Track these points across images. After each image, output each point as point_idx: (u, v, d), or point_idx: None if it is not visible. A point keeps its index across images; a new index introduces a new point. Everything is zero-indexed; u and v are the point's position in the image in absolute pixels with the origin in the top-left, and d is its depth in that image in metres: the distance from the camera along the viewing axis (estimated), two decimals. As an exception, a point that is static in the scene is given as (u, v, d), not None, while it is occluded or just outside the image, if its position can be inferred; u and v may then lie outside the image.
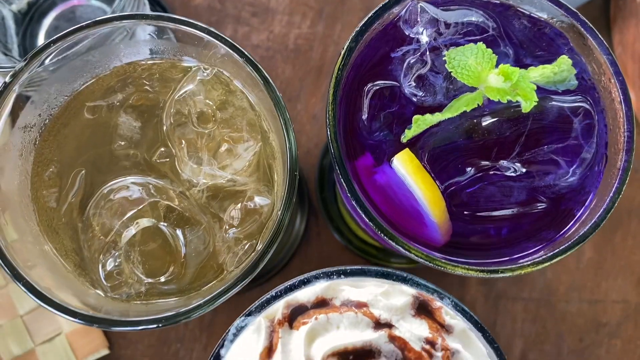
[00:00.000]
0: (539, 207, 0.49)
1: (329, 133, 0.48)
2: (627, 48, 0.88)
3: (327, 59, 0.90)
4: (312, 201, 0.87)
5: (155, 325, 0.43)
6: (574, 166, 0.49)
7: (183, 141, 0.51)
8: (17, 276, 0.43)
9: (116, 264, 0.50)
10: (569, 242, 0.46)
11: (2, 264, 0.43)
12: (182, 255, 0.50)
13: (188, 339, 0.83)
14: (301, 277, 0.45)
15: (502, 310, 0.86)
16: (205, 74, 0.51)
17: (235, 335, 0.44)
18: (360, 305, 0.45)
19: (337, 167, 0.48)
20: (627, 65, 0.87)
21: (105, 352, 0.81)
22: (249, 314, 0.44)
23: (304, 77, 0.90)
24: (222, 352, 0.44)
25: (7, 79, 0.46)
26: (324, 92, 0.90)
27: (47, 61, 0.48)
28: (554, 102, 0.50)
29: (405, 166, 0.47)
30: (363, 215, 0.47)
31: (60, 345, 0.81)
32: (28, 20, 0.75)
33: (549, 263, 0.45)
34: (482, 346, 0.46)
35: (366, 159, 0.53)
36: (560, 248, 0.46)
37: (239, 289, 0.46)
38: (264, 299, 0.45)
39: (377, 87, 0.50)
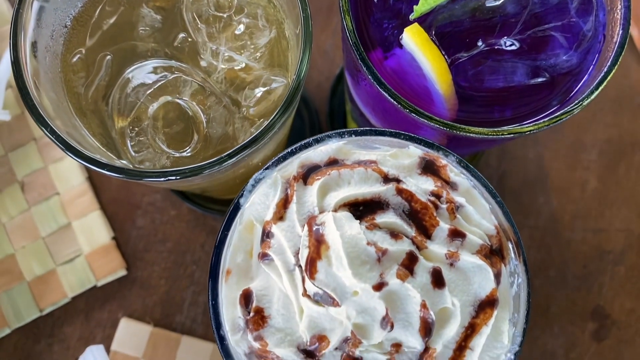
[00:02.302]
0: (540, 83, 0.52)
1: (343, 13, 0.50)
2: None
3: (338, -4, 0.93)
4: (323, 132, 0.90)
5: (174, 177, 0.46)
6: (574, 44, 0.52)
7: (201, 24, 0.54)
8: (43, 123, 0.46)
9: (141, 139, 0.53)
10: (568, 108, 0.49)
11: (32, 114, 0.46)
12: (204, 130, 0.53)
13: (204, 261, 0.86)
14: (314, 137, 0.48)
15: (508, 239, 0.88)
16: (223, -38, 0.55)
17: (254, 186, 0.47)
18: (370, 162, 0.48)
19: (354, 50, 0.50)
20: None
21: (122, 272, 0.84)
22: (267, 168, 0.47)
23: (315, 14, 0.93)
24: (242, 201, 0.47)
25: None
26: (334, 29, 0.93)
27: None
28: (554, -14, 0.52)
29: (414, 39, 0.50)
30: (382, 91, 0.49)
31: (80, 266, 0.84)
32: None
33: (548, 125, 0.48)
34: (485, 203, 0.48)
35: (377, 53, 0.56)
36: (559, 112, 0.49)
37: (249, 152, 0.48)
38: (279, 155, 0.47)
39: (387, -31, 0.52)
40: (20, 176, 0.87)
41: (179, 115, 0.54)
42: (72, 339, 0.83)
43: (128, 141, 0.53)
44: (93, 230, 0.85)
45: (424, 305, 0.42)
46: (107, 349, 0.82)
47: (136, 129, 0.54)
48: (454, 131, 0.48)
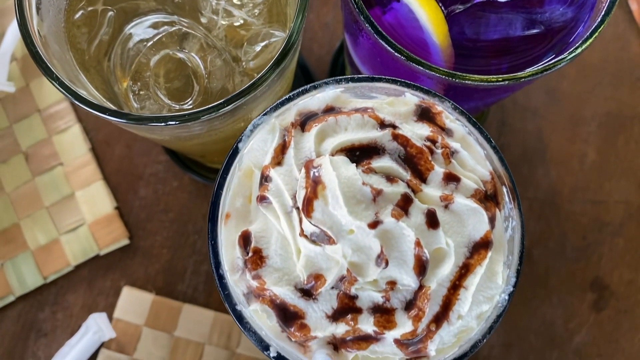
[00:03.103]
0: (536, 36, 0.53)
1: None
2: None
3: (339, -29, 0.94)
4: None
5: (174, 122, 0.47)
6: (569, -3, 0.53)
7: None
8: (47, 70, 0.47)
9: (143, 92, 0.54)
10: (562, 56, 0.49)
11: (36, 61, 0.47)
12: (205, 83, 0.54)
13: (204, 232, 0.87)
14: (312, 84, 0.49)
15: (507, 211, 0.89)
16: None
17: (252, 131, 0.48)
18: (366, 109, 0.49)
19: (356, 7, 0.51)
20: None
21: (125, 242, 0.85)
22: (265, 114, 0.48)
23: (316, -11, 0.94)
24: (240, 145, 0.48)
25: None
26: (335, 2, 0.94)
27: None
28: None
29: (409, -10, 0.51)
30: (380, 41, 0.50)
31: (83, 235, 0.85)
32: None
33: (542, 73, 0.48)
34: (480, 149, 0.49)
35: (376, 10, 0.56)
36: (553, 61, 0.49)
37: (246, 100, 0.49)
38: (277, 102, 0.48)
39: None
40: (25, 147, 0.88)
41: (180, 70, 0.55)
42: (76, 306, 0.84)
43: (130, 95, 0.54)
44: (96, 200, 0.86)
45: (418, 243, 0.43)
46: (110, 317, 0.83)
47: (138, 83, 0.55)
48: (451, 79, 0.49)
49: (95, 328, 0.81)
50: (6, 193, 0.86)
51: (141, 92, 0.54)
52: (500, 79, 0.48)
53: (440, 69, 0.49)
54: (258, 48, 0.55)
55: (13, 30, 0.87)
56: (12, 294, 0.83)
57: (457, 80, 0.48)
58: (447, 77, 0.49)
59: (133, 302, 0.84)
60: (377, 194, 0.44)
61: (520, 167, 0.90)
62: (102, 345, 0.81)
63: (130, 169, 0.89)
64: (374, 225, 0.43)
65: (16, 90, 0.89)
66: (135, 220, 0.87)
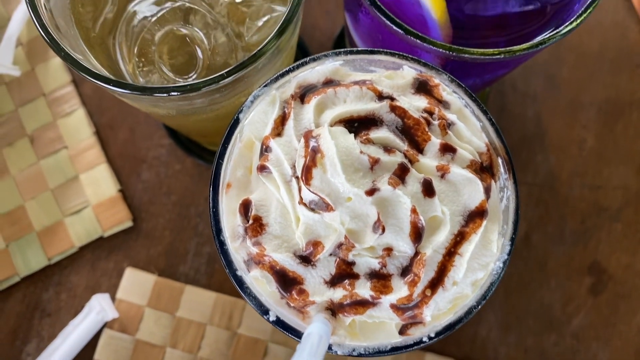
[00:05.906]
0: (533, 12, 0.53)
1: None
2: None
3: (340, -42, 0.95)
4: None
5: (177, 93, 0.48)
6: (565, -26, 0.53)
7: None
8: (52, 41, 0.48)
9: (147, 68, 0.55)
10: (558, 30, 0.50)
11: (42, 30, 0.48)
12: (208, 59, 0.55)
13: (207, 214, 0.88)
14: (311, 57, 0.50)
15: (506, 195, 0.89)
16: None
17: (252, 102, 0.49)
18: (365, 82, 0.50)
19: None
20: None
21: (129, 224, 0.87)
22: (265, 86, 0.49)
23: (318, -24, 0.95)
24: (241, 116, 0.49)
25: None
26: (337, -11, 0.95)
27: None
28: None
29: (408, -34, 0.52)
30: (381, 17, 0.51)
31: (87, 217, 0.86)
32: None
33: (538, 47, 0.49)
34: (476, 122, 0.50)
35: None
36: (549, 35, 0.50)
37: (246, 72, 0.50)
38: (277, 74, 0.49)
39: None
40: (30, 130, 0.89)
41: (184, 46, 0.56)
42: (79, 287, 0.86)
43: (137, 72, 0.55)
44: (100, 183, 0.87)
45: (414, 210, 0.44)
46: (113, 298, 0.84)
47: (143, 59, 0.56)
48: (449, 52, 0.49)
49: (98, 308, 0.82)
50: (12, 175, 0.87)
51: (146, 68, 0.56)
52: (496, 52, 0.49)
53: (439, 42, 0.50)
54: (260, 23, 0.56)
55: (19, 15, 0.88)
56: (17, 275, 0.84)
57: (454, 53, 0.49)
58: (445, 51, 0.50)
59: (135, 283, 0.85)
60: (375, 162, 0.45)
61: (519, 153, 0.91)
62: (105, 325, 0.83)
63: (133, 153, 0.90)
64: (371, 192, 0.44)
65: (22, 74, 0.90)
66: (138, 203, 0.88)
